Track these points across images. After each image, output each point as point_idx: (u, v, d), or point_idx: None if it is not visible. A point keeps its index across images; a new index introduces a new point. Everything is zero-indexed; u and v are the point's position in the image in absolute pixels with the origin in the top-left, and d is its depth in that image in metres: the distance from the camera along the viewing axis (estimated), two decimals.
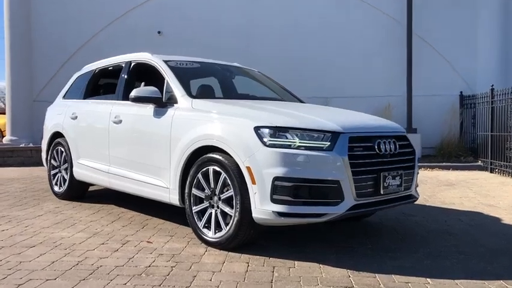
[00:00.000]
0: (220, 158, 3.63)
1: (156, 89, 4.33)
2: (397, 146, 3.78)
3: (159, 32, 11.74)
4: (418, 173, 4.24)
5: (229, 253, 3.58)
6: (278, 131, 3.45)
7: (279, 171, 3.32)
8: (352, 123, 3.69)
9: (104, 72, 5.72)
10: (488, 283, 3.04)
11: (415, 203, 5.87)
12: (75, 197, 5.73)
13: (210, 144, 3.73)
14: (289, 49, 11.64)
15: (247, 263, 3.37)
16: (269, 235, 4.02)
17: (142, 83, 4.88)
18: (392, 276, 3.14)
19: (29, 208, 5.27)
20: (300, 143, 3.41)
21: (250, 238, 3.63)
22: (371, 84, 11.43)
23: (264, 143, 3.41)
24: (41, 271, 3.12)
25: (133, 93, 4.35)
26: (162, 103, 4.31)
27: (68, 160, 5.63)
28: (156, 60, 4.75)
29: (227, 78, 5.27)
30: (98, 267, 3.22)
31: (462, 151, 10.64)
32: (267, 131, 3.46)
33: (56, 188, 5.91)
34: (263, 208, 3.36)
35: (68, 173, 5.65)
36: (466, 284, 3.01)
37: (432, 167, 9.85)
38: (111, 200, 5.63)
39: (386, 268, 3.30)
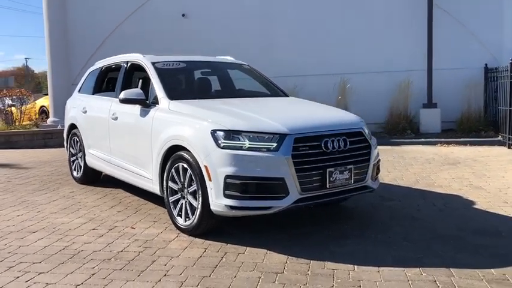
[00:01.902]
0: (187, 156, 4.13)
1: (141, 91, 4.86)
2: (348, 143, 4.11)
3: (183, 15, 12.22)
4: (376, 163, 4.53)
5: (195, 239, 4.11)
6: (232, 133, 3.90)
7: (230, 170, 3.79)
8: (301, 123, 4.05)
9: (108, 70, 6.30)
10: (407, 270, 3.39)
11: (403, 185, 6.23)
12: (90, 181, 6.45)
13: (180, 144, 4.23)
14: (309, 27, 11.81)
15: (206, 248, 3.89)
16: (241, 223, 4.49)
17: (140, 81, 5.41)
18: (325, 263, 3.56)
19: (48, 193, 6.04)
20: (249, 144, 3.84)
21: (213, 226, 4.15)
22: (391, 59, 11.42)
23: (219, 145, 3.87)
24: (32, 255, 3.79)
25: (122, 95, 4.90)
26: (146, 104, 4.84)
27: (82, 149, 6.34)
28: (145, 62, 5.25)
29: (213, 76, 5.69)
30: (78, 252, 3.85)
31: (483, 126, 10.56)
32: (221, 133, 3.91)
33: (75, 173, 6.68)
34: (218, 202, 3.86)
35: (82, 161, 6.36)
36: (387, 271, 3.39)
37: (449, 143, 9.89)
38: (121, 184, 6.26)
39: (326, 255, 3.71)
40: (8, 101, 13.13)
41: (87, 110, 6.19)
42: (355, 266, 3.49)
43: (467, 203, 5.28)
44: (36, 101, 16.25)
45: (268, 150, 3.82)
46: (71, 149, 6.75)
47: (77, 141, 6.51)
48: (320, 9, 11.78)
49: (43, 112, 15.83)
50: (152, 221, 4.71)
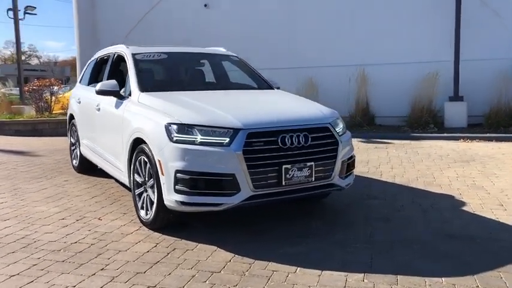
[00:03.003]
0: (146, 150, 4.09)
1: (115, 83, 4.86)
2: (309, 139, 3.93)
3: (205, 5, 12.23)
4: (347, 159, 4.30)
5: (154, 233, 4.08)
6: (186, 127, 3.81)
7: (179, 165, 3.71)
8: (258, 118, 3.90)
9: (101, 61, 6.36)
10: (350, 275, 3.21)
11: (400, 183, 5.95)
12: (86, 170, 6.56)
13: (140, 137, 4.19)
14: (331, 17, 11.51)
15: (157, 243, 3.85)
16: (206, 217, 4.41)
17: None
18: (269, 263, 3.42)
19: (43, 181, 6.20)
20: (201, 139, 3.74)
21: (170, 220, 4.09)
22: (416, 50, 10.94)
23: (171, 139, 3.80)
24: None
25: (97, 86, 4.92)
26: (120, 96, 4.84)
27: (78, 139, 6.47)
28: (126, 53, 5.25)
29: (192, 68, 5.61)
30: (34, 242, 3.90)
31: None
32: (175, 127, 3.83)
33: (74, 162, 6.83)
34: (169, 197, 3.80)
35: (78, 150, 6.49)
36: (328, 276, 3.21)
37: (472, 138, 9.36)
38: None
39: (275, 254, 3.57)
40: (55, 89, 13.57)
41: (81, 100, 6.30)
42: (298, 268, 3.33)
43: (458, 204, 4.95)
44: (71, 90, 16.74)
45: (220, 145, 3.72)
46: (71, 139, 6.91)
47: (75, 131, 6.65)
48: None
49: None
50: (123, 213, 4.73)
